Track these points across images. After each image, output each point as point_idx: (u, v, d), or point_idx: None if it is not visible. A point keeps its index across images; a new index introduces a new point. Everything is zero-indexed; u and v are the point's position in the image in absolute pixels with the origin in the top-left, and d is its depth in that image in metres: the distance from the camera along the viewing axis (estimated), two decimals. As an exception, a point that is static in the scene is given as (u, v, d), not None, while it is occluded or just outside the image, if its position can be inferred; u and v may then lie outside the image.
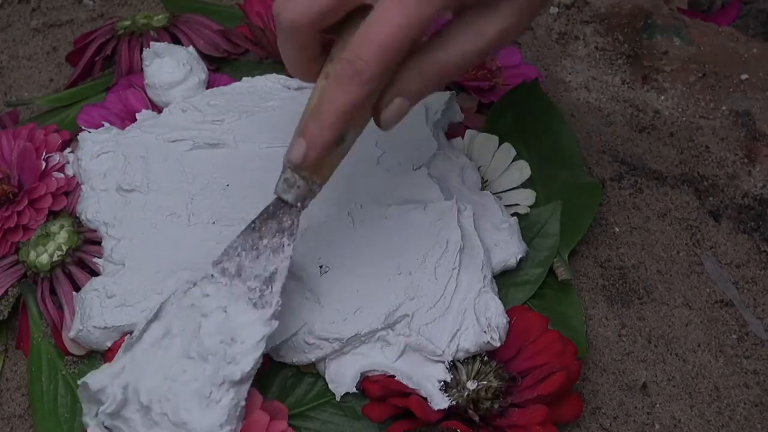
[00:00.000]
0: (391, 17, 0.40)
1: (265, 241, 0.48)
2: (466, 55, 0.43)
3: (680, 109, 0.73)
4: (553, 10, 0.81)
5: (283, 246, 0.48)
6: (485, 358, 0.52)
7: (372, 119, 0.46)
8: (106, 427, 0.48)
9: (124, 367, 0.48)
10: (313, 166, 0.45)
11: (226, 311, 0.48)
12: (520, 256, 0.57)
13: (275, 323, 0.48)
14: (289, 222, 0.48)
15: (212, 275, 0.49)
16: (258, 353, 0.47)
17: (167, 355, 0.48)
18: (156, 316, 0.49)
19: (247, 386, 0.47)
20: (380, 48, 0.41)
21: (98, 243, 0.58)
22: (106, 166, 0.60)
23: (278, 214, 0.48)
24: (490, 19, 0.43)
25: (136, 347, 0.49)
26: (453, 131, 0.64)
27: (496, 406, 0.50)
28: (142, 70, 0.66)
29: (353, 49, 0.41)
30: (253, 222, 0.49)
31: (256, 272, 0.48)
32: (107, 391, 0.47)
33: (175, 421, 0.45)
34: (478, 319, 0.52)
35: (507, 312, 0.53)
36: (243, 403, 0.47)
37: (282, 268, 0.48)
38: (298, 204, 0.47)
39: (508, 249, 0.57)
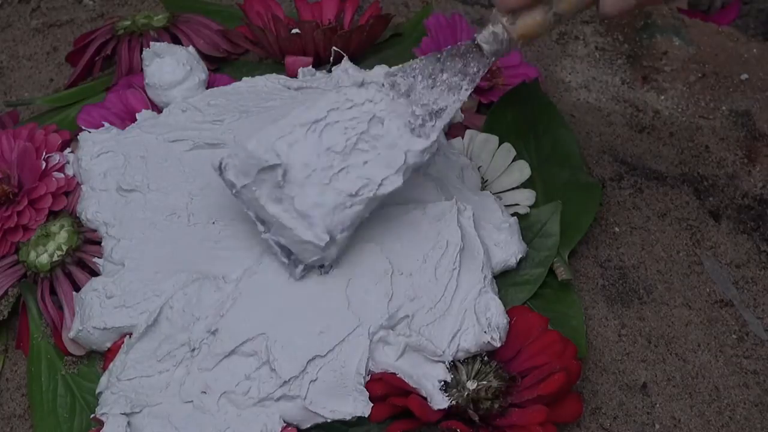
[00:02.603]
0: None
1: (444, 76, 0.48)
2: None
3: (680, 109, 0.73)
4: (553, 10, 0.81)
5: (461, 88, 0.48)
6: (485, 358, 0.52)
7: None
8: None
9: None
10: (527, 29, 0.46)
11: (383, 124, 0.47)
12: (520, 256, 0.57)
13: (425, 157, 0.48)
14: (475, 69, 0.48)
15: (383, 84, 0.48)
16: (401, 180, 0.47)
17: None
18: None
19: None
20: None
21: (98, 243, 0.58)
22: (106, 166, 0.60)
23: (467, 56, 0.48)
24: None
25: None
26: (453, 131, 0.64)
27: (496, 406, 0.50)
28: (142, 70, 0.66)
29: None
30: (440, 53, 0.48)
31: (425, 101, 0.47)
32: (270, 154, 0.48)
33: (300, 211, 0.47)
34: (479, 319, 0.52)
35: (507, 312, 0.53)
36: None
37: (451, 108, 0.48)
38: (492, 58, 0.47)
39: (509, 249, 0.57)
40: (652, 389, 0.55)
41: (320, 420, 0.50)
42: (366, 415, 0.49)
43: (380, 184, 0.48)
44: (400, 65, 0.49)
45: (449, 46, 0.48)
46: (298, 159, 0.48)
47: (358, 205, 0.49)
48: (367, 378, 0.50)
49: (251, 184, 0.49)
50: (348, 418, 0.49)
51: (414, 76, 0.48)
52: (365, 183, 0.49)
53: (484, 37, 0.47)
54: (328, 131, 0.49)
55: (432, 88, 0.47)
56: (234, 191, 0.50)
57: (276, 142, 0.49)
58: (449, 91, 0.47)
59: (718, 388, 0.56)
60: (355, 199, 0.48)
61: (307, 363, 0.50)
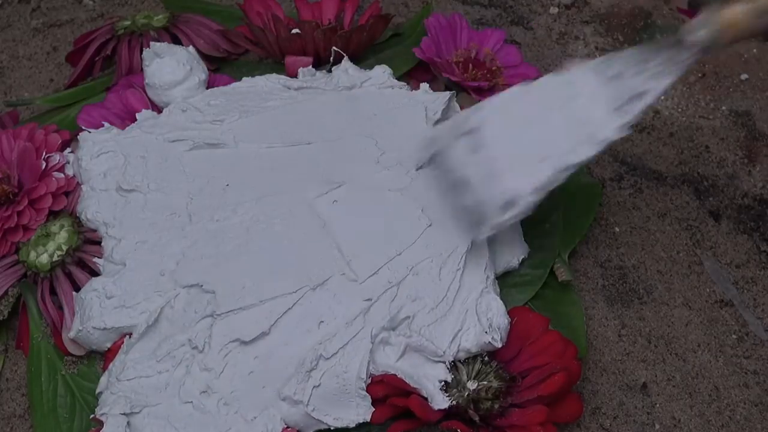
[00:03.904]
0: None
1: (651, 64, 0.50)
2: None
3: (680, 109, 0.73)
4: (553, 10, 0.81)
5: (668, 74, 0.50)
6: (486, 359, 0.52)
7: None
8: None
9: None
10: (731, 19, 0.47)
11: (588, 102, 0.50)
12: (522, 256, 0.57)
13: (623, 132, 0.50)
14: (683, 57, 0.49)
15: (594, 69, 0.51)
16: (594, 151, 0.50)
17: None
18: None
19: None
20: None
21: (98, 243, 0.58)
22: (106, 166, 0.60)
23: (678, 46, 0.49)
24: None
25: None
26: (453, 131, 0.64)
27: (496, 406, 0.50)
28: (142, 70, 0.66)
29: None
30: (651, 46, 0.50)
31: (632, 85, 0.50)
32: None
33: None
34: (480, 320, 0.52)
35: (508, 312, 0.53)
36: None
37: (655, 92, 0.50)
38: (698, 46, 0.48)
39: (511, 250, 0.57)
40: (652, 389, 0.55)
41: (323, 427, 0.50)
42: (368, 420, 0.49)
43: (572, 152, 0.51)
44: (612, 53, 0.52)
45: (665, 37, 0.50)
46: (495, 123, 0.52)
47: (548, 170, 0.51)
48: (368, 381, 0.50)
49: (451, 137, 0.53)
50: (352, 425, 0.49)
51: (625, 63, 0.50)
52: (558, 151, 0.51)
53: (689, 27, 0.49)
54: (530, 103, 0.52)
55: (640, 74, 0.50)
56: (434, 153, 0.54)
57: (479, 111, 0.53)
58: (655, 77, 0.50)
59: (718, 388, 0.56)
60: (545, 165, 0.51)
61: (310, 371, 0.50)
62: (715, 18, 0.47)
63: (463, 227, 0.54)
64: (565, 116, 0.51)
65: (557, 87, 0.52)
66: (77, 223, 0.59)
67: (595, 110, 0.50)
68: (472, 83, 0.67)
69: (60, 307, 0.55)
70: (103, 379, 0.52)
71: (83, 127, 0.64)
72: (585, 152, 0.51)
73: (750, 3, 0.47)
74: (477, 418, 0.49)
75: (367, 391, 0.50)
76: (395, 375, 0.50)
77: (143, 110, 0.65)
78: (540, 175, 0.51)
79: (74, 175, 0.61)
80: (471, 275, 0.54)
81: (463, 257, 0.54)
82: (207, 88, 0.66)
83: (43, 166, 0.60)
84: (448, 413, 0.50)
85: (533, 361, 0.51)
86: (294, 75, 0.67)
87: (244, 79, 0.67)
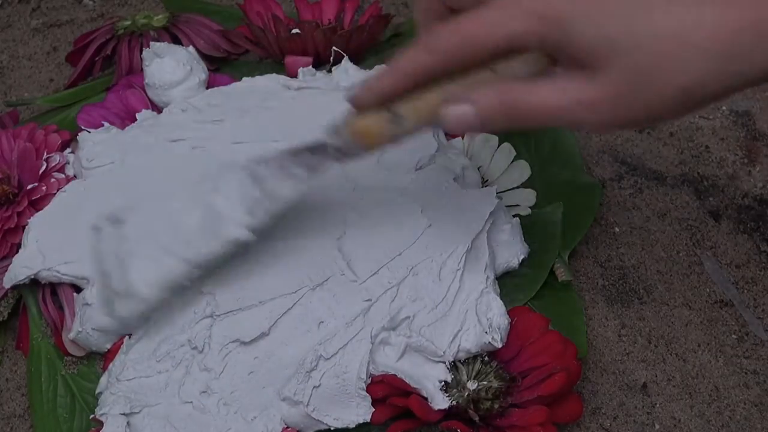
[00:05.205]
0: (481, 22, 0.41)
1: (294, 168, 0.49)
2: (546, 104, 0.40)
3: (680, 109, 0.73)
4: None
5: (304, 178, 0.49)
6: (486, 359, 0.52)
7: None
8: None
9: None
10: (361, 128, 0.45)
11: (226, 201, 0.50)
12: (522, 256, 0.57)
13: (248, 236, 0.50)
14: (316, 162, 0.48)
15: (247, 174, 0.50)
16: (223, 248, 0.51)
17: None
18: None
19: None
20: (462, 39, 0.41)
21: (98, 243, 0.57)
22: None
23: (317, 151, 0.48)
24: (578, 84, 0.40)
25: None
26: (453, 131, 0.64)
27: (496, 406, 0.50)
28: (142, 70, 0.66)
29: (438, 32, 0.42)
30: (293, 149, 0.49)
31: (271, 188, 0.50)
32: None
33: None
34: (480, 320, 0.52)
35: (508, 312, 0.53)
36: None
37: (285, 195, 0.50)
38: (337, 153, 0.47)
39: (511, 250, 0.57)
40: (652, 389, 0.55)
41: (323, 427, 0.50)
42: (369, 421, 0.49)
43: (199, 248, 0.51)
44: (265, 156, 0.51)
45: (305, 142, 0.49)
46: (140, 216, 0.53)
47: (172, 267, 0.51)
48: (368, 381, 0.50)
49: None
50: (353, 426, 0.49)
51: (271, 168, 0.50)
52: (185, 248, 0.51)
53: (329, 130, 0.47)
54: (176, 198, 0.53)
55: (282, 178, 0.50)
56: None
57: None
58: (294, 180, 0.49)
59: (718, 388, 0.56)
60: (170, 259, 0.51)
61: (310, 372, 0.50)
62: (349, 124, 0.46)
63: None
64: (203, 210, 0.51)
65: (204, 178, 0.52)
66: (77, 223, 0.59)
67: (230, 209, 0.50)
68: (472, 83, 0.67)
69: (60, 308, 0.55)
70: (103, 380, 0.52)
71: (83, 127, 0.64)
72: (211, 247, 0.50)
73: (382, 118, 0.44)
74: (477, 418, 0.49)
75: (367, 392, 0.50)
76: (395, 375, 0.50)
77: (143, 110, 0.65)
78: (163, 269, 0.50)
79: (74, 175, 0.61)
80: (471, 275, 0.54)
81: (463, 257, 0.54)
82: (207, 88, 0.67)
83: (43, 167, 0.60)
84: (448, 413, 0.50)
85: (533, 361, 0.51)
86: (294, 75, 0.67)
87: (244, 79, 0.67)
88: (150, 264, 0.51)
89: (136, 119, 0.64)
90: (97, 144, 0.61)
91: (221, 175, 0.51)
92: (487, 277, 0.54)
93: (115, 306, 0.51)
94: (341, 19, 0.72)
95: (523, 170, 0.63)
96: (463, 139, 0.64)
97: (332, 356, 0.50)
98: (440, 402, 0.50)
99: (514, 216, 0.59)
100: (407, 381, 0.50)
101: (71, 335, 0.53)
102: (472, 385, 0.51)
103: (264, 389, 0.50)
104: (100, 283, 0.52)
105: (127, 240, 0.52)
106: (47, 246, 0.55)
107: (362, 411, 0.49)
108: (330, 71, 0.68)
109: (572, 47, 0.39)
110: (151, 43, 0.67)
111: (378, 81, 0.44)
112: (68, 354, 0.54)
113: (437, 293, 0.53)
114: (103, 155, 0.60)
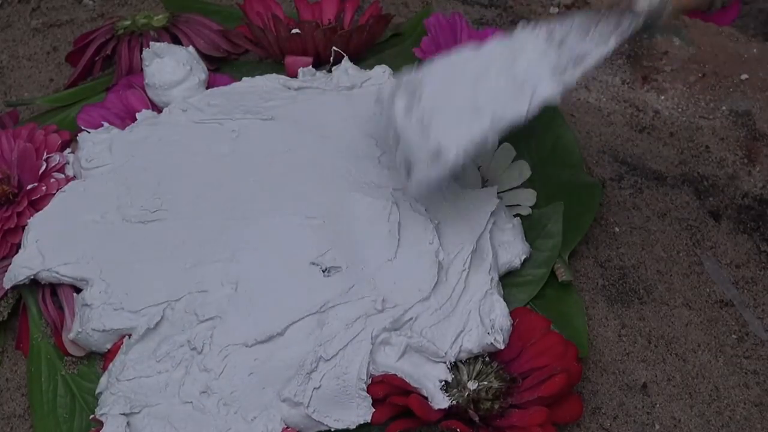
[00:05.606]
0: None
1: (597, 28, 0.50)
2: None
3: (680, 109, 0.73)
4: (553, 10, 0.81)
5: (608, 41, 0.50)
6: (487, 359, 0.52)
7: None
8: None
9: None
10: None
11: (529, 66, 0.50)
12: (524, 256, 0.57)
13: (558, 94, 0.50)
14: (627, 25, 0.50)
15: (540, 32, 0.51)
16: (527, 107, 0.50)
17: None
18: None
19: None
20: None
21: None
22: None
23: (623, 14, 0.50)
24: None
25: None
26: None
27: (496, 406, 0.50)
28: (142, 70, 0.66)
29: None
30: (599, 11, 0.51)
31: (574, 49, 0.50)
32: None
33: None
34: (483, 321, 0.52)
35: (510, 313, 0.53)
36: None
37: (595, 57, 0.50)
38: (644, 16, 0.50)
39: (513, 250, 0.57)
40: (652, 389, 0.55)
41: (323, 428, 0.50)
42: (369, 421, 0.49)
43: (505, 107, 0.50)
44: (561, 18, 0.52)
45: (609, 7, 0.51)
46: (436, 80, 0.52)
47: (477, 123, 0.50)
48: (369, 382, 0.50)
49: (395, 95, 0.52)
50: (353, 426, 0.49)
51: (570, 27, 0.51)
52: (491, 105, 0.51)
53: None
54: (473, 64, 0.52)
55: (583, 39, 0.51)
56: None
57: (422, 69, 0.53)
58: (599, 42, 0.50)
59: (718, 388, 0.56)
60: (475, 117, 0.50)
61: (309, 372, 0.50)
62: None
63: (397, 183, 0.54)
64: (505, 76, 0.51)
65: (502, 49, 0.52)
66: (77, 223, 0.59)
67: (535, 72, 0.50)
68: (472, 83, 0.67)
69: (60, 308, 0.55)
70: (103, 380, 0.52)
71: (83, 127, 0.64)
72: (518, 108, 0.50)
73: None
74: (477, 419, 0.49)
75: (367, 392, 0.50)
76: (395, 375, 0.50)
77: (143, 110, 0.65)
78: (469, 128, 0.50)
79: (74, 175, 0.61)
80: (476, 276, 0.54)
81: (469, 258, 0.54)
82: (207, 88, 0.66)
83: (43, 167, 0.60)
84: (448, 413, 0.50)
85: (534, 362, 0.51)
86: (294, 75, 0.67)
87: (244, 79, 0.67)
88: (455, 124, 0.51)
89: (136, 119, 0.64)
90: (97, 144, 0.61)
91: (519, 44, 0.51)
92: (492, 278, 0.54)
93: (413, 171, 0.51)
94: (341, 19, 0.72)
95: (523, 170, 0.62)
96: None
97: (332, 357, 0.50)
98: (440, 401, 0.50)
99: (514, 216, 0.59)
100: (407, 380, 0.50)
101: (71, 335, 0.53)
102: (472, 385, 0.51)
103: (264, 390, 0.50)
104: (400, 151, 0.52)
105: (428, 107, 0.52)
106: (47, 246, 0.55)
107: (362, 411, 0.49)
108: (330, 71, 0.68)
109: None
110: (151, 43, 0.67)
111: None
112: (68, 354, 0.54)
113: (442, 293, 0.53)
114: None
